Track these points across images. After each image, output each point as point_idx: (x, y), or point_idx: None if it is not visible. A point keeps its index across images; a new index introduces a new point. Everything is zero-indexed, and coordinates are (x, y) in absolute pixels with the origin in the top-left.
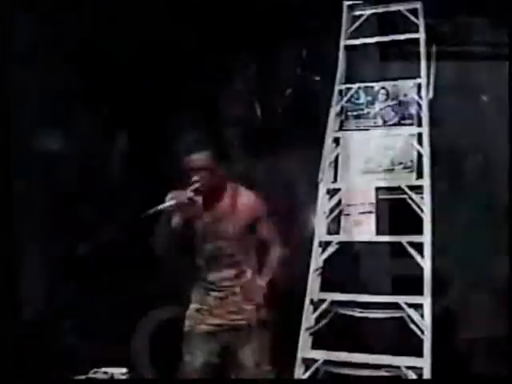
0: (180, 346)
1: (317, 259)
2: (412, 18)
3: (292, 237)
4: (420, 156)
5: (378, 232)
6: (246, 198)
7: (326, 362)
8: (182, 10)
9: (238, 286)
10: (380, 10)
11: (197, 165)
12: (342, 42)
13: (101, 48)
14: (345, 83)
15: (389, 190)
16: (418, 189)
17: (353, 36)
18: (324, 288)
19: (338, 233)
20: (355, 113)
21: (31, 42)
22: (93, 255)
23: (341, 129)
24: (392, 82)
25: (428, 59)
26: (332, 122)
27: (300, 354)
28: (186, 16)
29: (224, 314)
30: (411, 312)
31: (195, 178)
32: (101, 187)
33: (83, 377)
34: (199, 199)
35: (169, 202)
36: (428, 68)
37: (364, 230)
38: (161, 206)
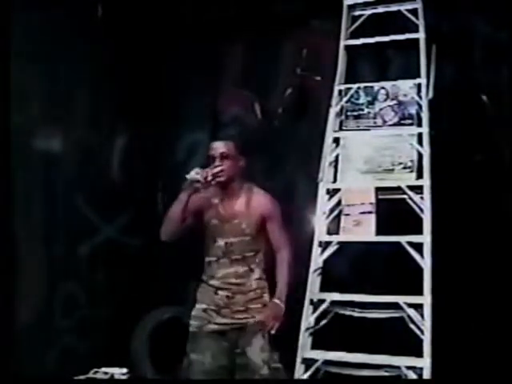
0: (180, 346)
1: (316, 259)
2: (412, 17)
3: (292, 237)
4: (420, 156)
5: (378, 232)
6: (261, 197)
7: (326, 362)
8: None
9: (245, 284)
10: (380, 9)
11: (221, 152)
12: (342, 42)
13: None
14: (345, 83)
15: (389, 189)
16: (417, 189)
17: (353, 36)
18: (324, 288)
19: (337, 233)
20: (355, 113)
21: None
22: (93, 254)
23: (341, 129)
24: (392, 82)
25: (428, 59)
26: (332, 122)
27: (300, 354)
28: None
29: (231, 314)
30: (411, 312)
31: (217, 163)
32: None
33: (83, 377)
34: (215, 187)
35: (195, 175)
36: (428, 68)
37: (364, 230)
38: (188, 176)
